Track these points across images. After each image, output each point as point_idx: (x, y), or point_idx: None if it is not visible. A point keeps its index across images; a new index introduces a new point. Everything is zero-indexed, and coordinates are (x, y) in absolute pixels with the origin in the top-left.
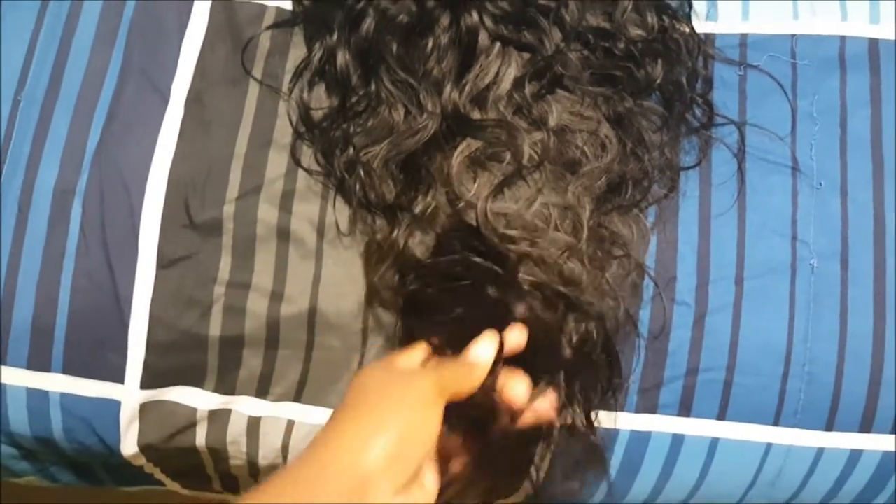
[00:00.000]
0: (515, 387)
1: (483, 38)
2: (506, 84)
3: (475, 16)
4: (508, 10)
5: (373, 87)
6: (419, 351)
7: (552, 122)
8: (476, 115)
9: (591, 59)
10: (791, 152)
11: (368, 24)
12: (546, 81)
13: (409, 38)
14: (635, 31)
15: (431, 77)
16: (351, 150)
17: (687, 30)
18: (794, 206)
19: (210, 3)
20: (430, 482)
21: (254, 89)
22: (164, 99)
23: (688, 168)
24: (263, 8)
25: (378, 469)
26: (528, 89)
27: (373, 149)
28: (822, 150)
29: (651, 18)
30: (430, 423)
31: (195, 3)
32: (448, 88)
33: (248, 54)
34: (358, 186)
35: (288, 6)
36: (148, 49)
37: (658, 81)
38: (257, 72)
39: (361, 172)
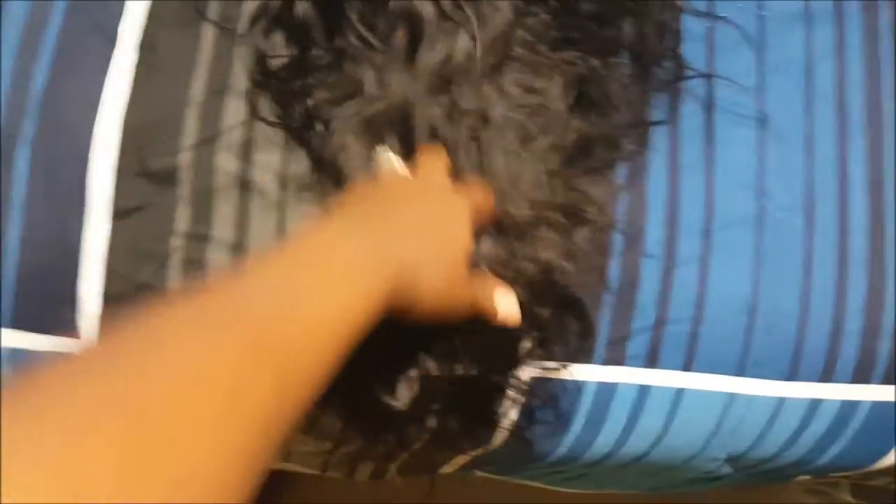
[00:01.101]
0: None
1: (428, 10)
2: (457, 59)
3: None
4: None
5: (337, 41)
6: (440, 165)
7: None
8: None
9: (551, 22)
10: (757, 105)
11: None
12: (498, 58)
13: None
14: None
15: (393, 43)
16: (310, 103)
17: None
18: (761, 158)
19: None
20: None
21: (208, 34)
22: (111, 42)
23: (657, 123)
24: None
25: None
26: (481, 64)
27: (334, 106)
28: (788, 103)
29: None
30: (468, 239)
31: None
32: (399, 69)
33: None
34: (317, 143)
35: None
36: None
37: (625, 41)
38: (212, 14)
39: (320, 128)
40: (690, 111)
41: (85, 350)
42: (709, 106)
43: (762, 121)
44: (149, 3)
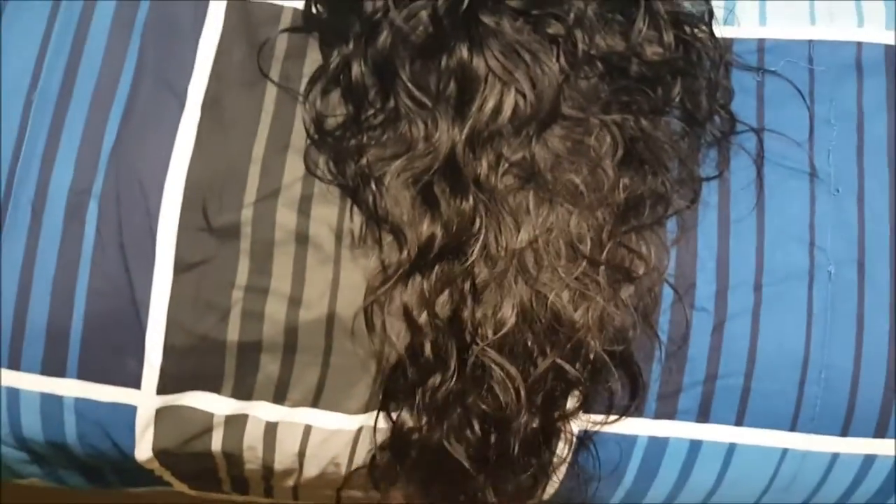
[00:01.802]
0: None
1: (480, 67)
2: (504, 117)
3: (464, 50)
4: (513, 36)
5: (391, 102)
6: None
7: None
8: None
9: (601, 85)
10: (809, 158)
11: (384, 37)
12: (546, 115)
13: (423, 57)
14: (652, 50)
15: (444, 99)
16: (364, 162)
17: (707, 39)
18: (812, 211)
19: (225, 3)
20: None
21: (271, 92)
22: (181, 100)
23: (709, 179)
24: (280, 9)
25: None
26: (528, 119)
27: (387, 164)
28: (840, 155)
29: (668, 36)
30: None
31: (210, 3)
32: (448, 123)
33: (265, 56)
34: (370, 199)
35: None
36: (163, 49)
37: (676, 100)
38: (274, 74)
39: (373, 185)
40: (741, 165)
41: None
42: (759, 159)
43: (813, 174)
44: (211, 61)
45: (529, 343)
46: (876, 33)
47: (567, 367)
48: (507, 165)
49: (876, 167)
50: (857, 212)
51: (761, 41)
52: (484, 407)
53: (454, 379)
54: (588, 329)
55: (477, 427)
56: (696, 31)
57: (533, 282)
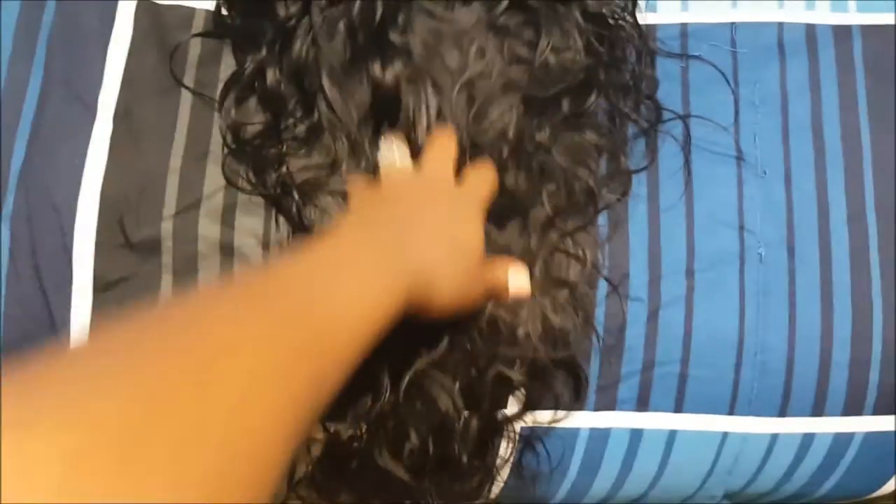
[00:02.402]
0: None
1: (392, 84)
2: (420, 138)
3: (376, 67)
4: (422, 57)
5: (313, 114)
6: (445, 156)
7: None
8: None
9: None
10: (735, 142)
11: (300, 45)
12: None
13: (343, 69)
14: (563, 58)
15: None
16: (285, 170)
17: (631, 30)
18: (740, 195)
19: (134, 5)
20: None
21: (186, 99)
22: (92, 112)
23: (638, 171)
24: (192, 11)
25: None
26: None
27: (311, 172)
28: (765, 138)
29: (578, 42)
30: (478, 234)
31: (118, 7)
32: (371, 140)
33: (178, 62)
34: (294, 209)
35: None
36: (70, 58)
37: (591, 107)
38: (188, 80)
39: (295, 194)
40: (669, 152)
41: (109, 329)
42: (686, 146)
43: (740, 158)
44: (122, 68)
45: (468, 351)
46: (796, 13)
47: (510, 373)
48: None
49: (801, 148)
50: (784, 193)
51: (684, 26)
52: (419, 419)
53: (387, 395)
54: (530, 339)
55: (414, 437)
56: (620, 22)
57: None
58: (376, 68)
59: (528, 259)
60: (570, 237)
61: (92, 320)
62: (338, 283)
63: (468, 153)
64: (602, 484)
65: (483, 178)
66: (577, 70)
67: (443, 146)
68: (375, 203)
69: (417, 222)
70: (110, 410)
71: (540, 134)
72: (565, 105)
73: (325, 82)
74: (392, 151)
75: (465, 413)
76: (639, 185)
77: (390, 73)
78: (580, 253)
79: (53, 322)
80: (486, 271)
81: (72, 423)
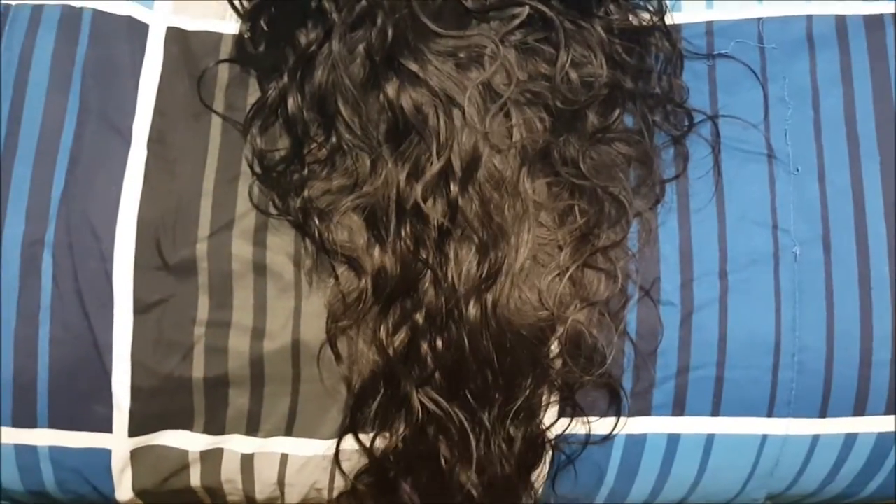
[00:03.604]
0: None
1: (408, 106)
2: (437, 161)
3: (391, 89)
4: (437, 79)
5: (334, 139)
6: None
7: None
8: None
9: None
10: (766, 139)
11: (321, 72)
12: (470, 161)
13: (362, 92)
14: (585, 73)
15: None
16: (306, 195)
17: (660, 39)
18: (773, 193)
19: (164, 35)
20: None
21: (217, 122)
22: (126, 139)
23: (671, 180)
24: (219, 37)
25: None
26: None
27: (333, 196)
28: (797, 134)
29: (598, 58)
30: None
31: (148, 37)
32: (391, 161)
33: (207, 86)
34: (316, 233)
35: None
36: (104, 90)
37: (615, 123)
38: (218, 104)
39: (316, 219)
40: (698, 153)
41: None
42: (716, 146)
43: (771, 155)
44: (154, 96)
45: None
46: (826, 5)
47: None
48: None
49: (834, 143)
50: (818, 190)
51: (709, 24)
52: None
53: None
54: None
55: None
56: (648, 33)
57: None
58: (390, 90)
59: (559, 274)
60: (602, 254)
61: (133, 341)
62: None
63: (484, 161)
64: (640, 490)
65: None
66: (600, 84)
67: None
68: None
69: None
70: None
71: (568, 149)
72: (592, 119)
73: (341, 104)
74: None
75: (508, 429)
76: (669, 189)
77: (404, 94)
78: (612, 269)
79: (97, 344)
80: None
81: None
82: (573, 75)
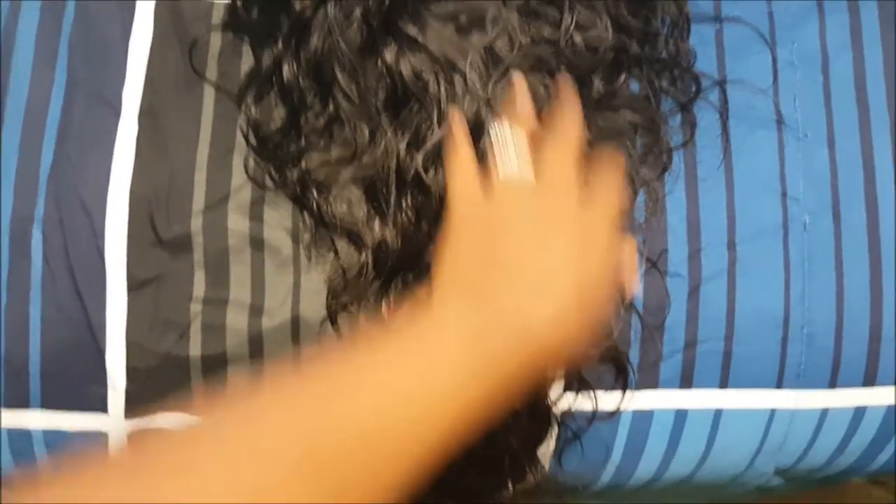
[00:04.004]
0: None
1: (408, 73)
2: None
3: (389, 55)
4: (437, 44)
5: (331, 106)
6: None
7: None
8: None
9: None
10: (774, 105)
11: (317, 38)
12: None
13: (359, 59)
14: (588, 36)
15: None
16: (304, 166)
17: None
18: (782, 161)
19: (153, 4)
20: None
21: (210, 92)
22: (116, 112)
23: (678, 147)
24: (210, 5)
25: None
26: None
27: (332, 168)
28: (806, 99)
29: (602, 20)
30: (611, 272)
31: (137, 5)
32: (391, 130)
33: (200, 55)
34: (314, 206)
35: None
36: (92, 62)
37: (619, 87)
38: (211, 73)
39: (315, 191)
40: (705, 120)
41: (117, 455)
42: (724, 113)
43: (780, 122)
44: (145, 68)
45: None
46: None
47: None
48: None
49: (844, 109)
50: (828, 157)
51: None
52: None
53: None
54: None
55: None
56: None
57: None
58: (388, 56)
59: None
60: None
61: (128, 320)
62: (393, 386)
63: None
64: (647, 466)
65: (614, 188)
66: (605, 49)
67: (567, 142)
68: (482, 235)
69: (537, 275)
70: None
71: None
72: (597, 85)
73: (338, 71)
74: (509, 150)
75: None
76: (676, 157)
77: (403, 60)
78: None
79: (90, 323)
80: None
81: None
82: (577, 39)
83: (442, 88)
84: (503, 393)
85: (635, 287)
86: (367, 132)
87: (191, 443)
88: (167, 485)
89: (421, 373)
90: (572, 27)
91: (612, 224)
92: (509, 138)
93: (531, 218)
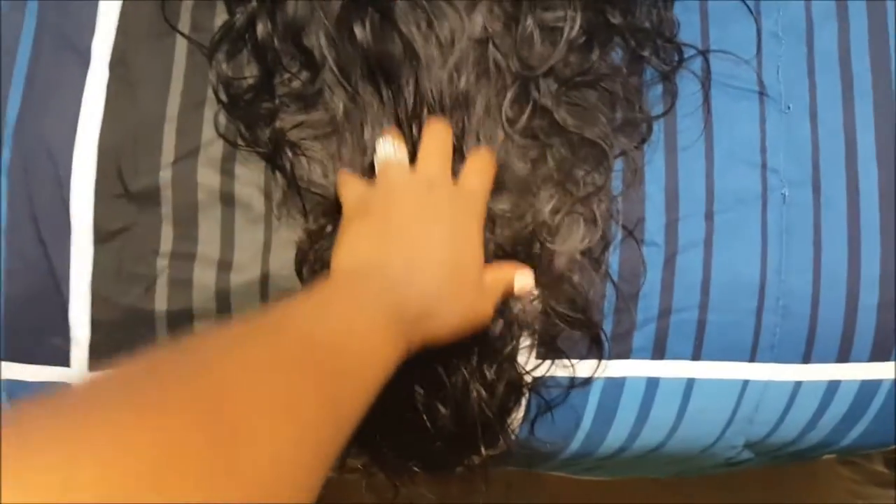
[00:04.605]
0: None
1: (393, 45)
2: (426, 100)
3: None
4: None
5: (307, 73)
6: (443, 149)
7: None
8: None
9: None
10: (757, 76)
11: (294, 6)
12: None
13: (339, 27)
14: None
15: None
16: (278, 125)
17: None
18: (763, 132)
19: None
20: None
21: (182, 44)
22: (85, 60)
23: (658, 117)
24: None
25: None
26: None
27: (306, 130)
28: (789, 71)
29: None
30: (479, 246)
31: None
32: (372, 103)
33: (172, 6)
34: (288, 166)
35: None
36: (63, 8)
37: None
38: (184, 25)
39: (289, 152)
40: (687, 89)
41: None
42: (706, 82)
43: (762, 93)
44: (117, 17)
45: None
46: None
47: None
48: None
49: (827, 81)
50: (809, 129)
51: None
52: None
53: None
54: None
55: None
56: None
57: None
58: (358, 31)
59: (536, 225)
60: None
61: (94, 272)
62: (356, 325)
63: (450, 109)
64: (618, 434)
65: (482, 173)
66: (569, 36)
67: (439, 140)
68: (369, 219)
69: (417, 247)
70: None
71: (542, 99)
72: (572, 62)
73: (322, 42)
74: (389, 148)
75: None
76: (655, 126)
77: (373, 37)
78: (592, 215)
79: (54, 273)
80: (491, 280)
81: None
82: (547, 17)
83: (413, 61)
84: (405, 354)
85: (527, 282)
86: (344, 99)
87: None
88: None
89: (366, 318)
90: (531, 27)
91: (480, 202)
92: (392, 142)
93: (410, 195)
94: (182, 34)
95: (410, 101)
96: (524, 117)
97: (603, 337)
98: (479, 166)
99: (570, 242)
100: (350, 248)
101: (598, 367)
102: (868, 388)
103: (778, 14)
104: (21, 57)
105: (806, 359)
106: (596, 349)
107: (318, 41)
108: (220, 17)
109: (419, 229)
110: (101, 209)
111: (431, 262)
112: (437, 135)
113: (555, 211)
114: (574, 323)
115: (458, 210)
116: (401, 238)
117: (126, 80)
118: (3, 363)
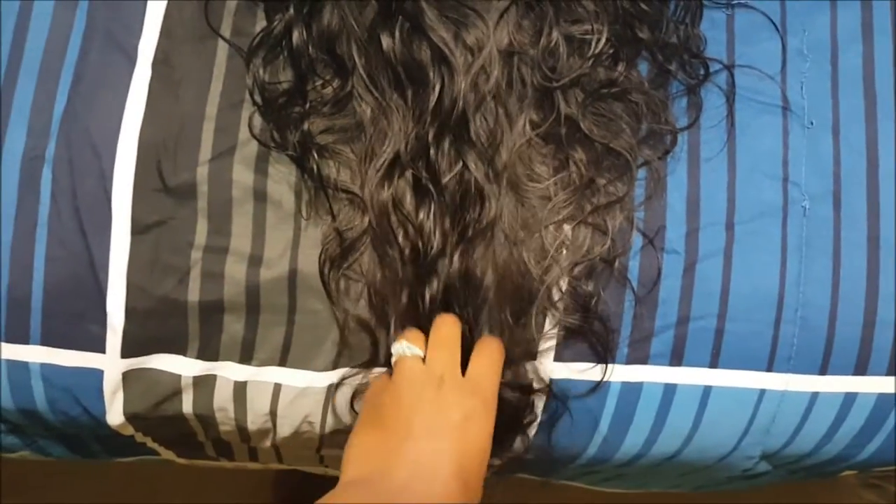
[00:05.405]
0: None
1: (422, 55)
2: (452, 109)
3: (400, 36)
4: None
5: (339, 81)
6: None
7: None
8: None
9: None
10: (781, 91)
11: (329, 14)
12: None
13: (372, 37)
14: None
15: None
16: (306, 129)
17: None
18: (785, 146)
19: None
20: None
21: (223, 46)
22: (131, 59)
23: (684, 129)
24: None
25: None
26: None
27: (334, 136)
28: (813, 87)
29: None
30: (487, 439)
31: None
32: (400, 112)
33: (215, 10)
34: (314, 169)
35: None
36: (112, 9)
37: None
38: (226, 29)
39: (315, 154)
40: (712, 102)
41: None
42: (730, 96)
43: (786, 108)
44: (162, 19)
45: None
46: None
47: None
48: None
49: (851, 99)
50: (832, 145)
51: None
52: None
53: None
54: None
55: None
56: None
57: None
58: (386, 40)
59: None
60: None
61: (130, 262)
62: None
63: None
64: (634, 439)
65: (490, 358)
66: (601, 42)
67: (446, 333)
68: (380, 430)
69: (422, 461)
70: None
71: (567, 108)
72: (600, 74)
73: (352, 48)
74: (404, 349)
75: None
76: (680, 138)
77: (405, 43)
78: (604, 225)
79: (93, 263)
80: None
81: None
82: (574, 31)
83: (441, 69)
84: None
85: (496, 347)
86: (373, 106)
87: None
88: None
89: None
90: (555, 40)
91: (489, 395)
92: (406, 349)
93: (421, 398)
94: (223, 38)
95: (434, 103)
96: (547, 124)
97: (620, 341)
98: (488, 352)
99: (573, 253)
100: (358, 460)
101: (605, 370)
102: (885, 402)
103: (804, 34)
104: (70, 54)
105: (823, 370)
106: (612, 353)
107: (349, 49)
108: (261, 23)
109: (427, 443)
110: (139, 202)
111: (436, 480)
112: (445, 328)
113: (569, 219)
114: (588, 329)
115: (468, 405)
116: (408, 452)
117: (168, 78)
118: (38, 347)
